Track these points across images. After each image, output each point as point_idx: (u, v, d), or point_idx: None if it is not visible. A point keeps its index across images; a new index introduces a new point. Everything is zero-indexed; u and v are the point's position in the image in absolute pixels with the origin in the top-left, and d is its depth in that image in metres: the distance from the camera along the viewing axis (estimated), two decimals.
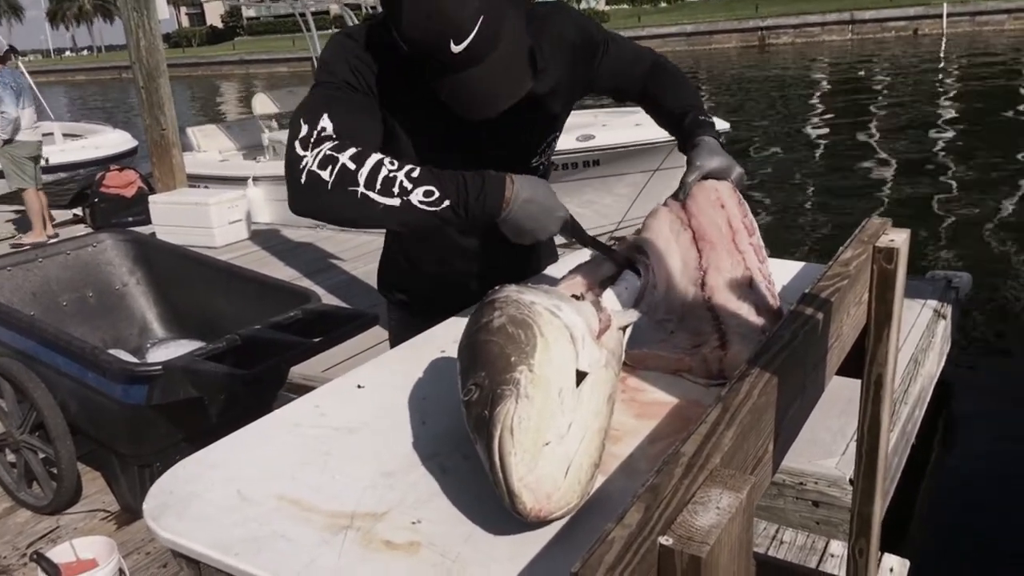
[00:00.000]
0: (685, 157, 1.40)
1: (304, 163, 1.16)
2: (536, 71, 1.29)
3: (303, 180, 1.15)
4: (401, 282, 1.68)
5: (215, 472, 0.94)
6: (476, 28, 1.14)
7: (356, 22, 8.15)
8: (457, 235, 1.52)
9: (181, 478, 0.94)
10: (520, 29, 1.24)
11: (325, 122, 1.19)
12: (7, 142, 6.32)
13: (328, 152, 1.15)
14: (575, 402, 0.78)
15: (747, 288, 1.07)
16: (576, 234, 1.25)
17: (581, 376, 0.80)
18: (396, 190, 1.13)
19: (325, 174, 1.14)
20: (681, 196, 1.28)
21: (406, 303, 1.69)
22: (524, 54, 1.24)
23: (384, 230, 1.61)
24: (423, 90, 1.25)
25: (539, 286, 0.94)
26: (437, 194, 1.13)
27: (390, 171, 1.14)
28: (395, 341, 1.67)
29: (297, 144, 1.18)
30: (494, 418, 0.75)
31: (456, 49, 1.15)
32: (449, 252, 1.56)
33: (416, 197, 1.13)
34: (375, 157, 1.15)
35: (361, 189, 1.13)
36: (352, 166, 1.14)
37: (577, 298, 0.94)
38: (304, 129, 1.19)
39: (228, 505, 0.87)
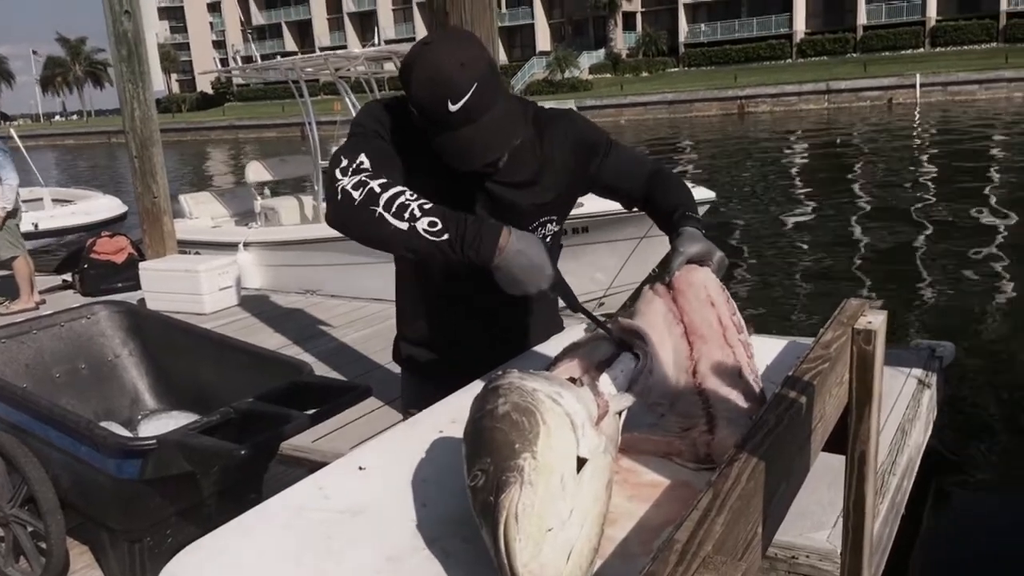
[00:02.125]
0: None
1: (341, 184, 1.37)
2: (521, 144, 1.48)
3: (339, 197, 1.36)
4: (414, 345, 1.79)
5: (221, 558, 0.96)
6: (470, 92, 1.35)
7: (349, 90, 8.37)
8: (467, 295, 1.62)
9: (187, 564, 0.96)
10: (513, 107, 1.45)
11: (362, 157, 1.41)
12: (10, 214, 6.36)
13: (363, 178, 1.36)
14: (576, 488, 0.82)
15: (736, 377, 1.13)
16: (566, 297, 1.37)
17: (581, 462, 0.84)
18: (407, 215, 1.31)
19: (356, 193, 1.34)
20: (667, 279, 1.37)
21: (419, 366, 1.78)
22: (512, 124, 1.44)
23: (395, 301, 1.79)
24: (428, 155, 1.44)
25: (540, 372, 0.98)
26: (439, 226, 1.30)
27: (407, 199, 1.32)
28: (407, 403, 1.80)
29: (338, 171, 1.39)
30: (499, 504, 0.79)
31: (452, 108, 1.35)
32: (458, 314, 1.69)
33: (421, 225, 1.30)
34: (399, 187, 1.35)
35: (380, 210, 1.32)
36: (378, 190, 1.34)
37: (574, 381, 0.98)
38: (344, 161, 1.40)
39: None
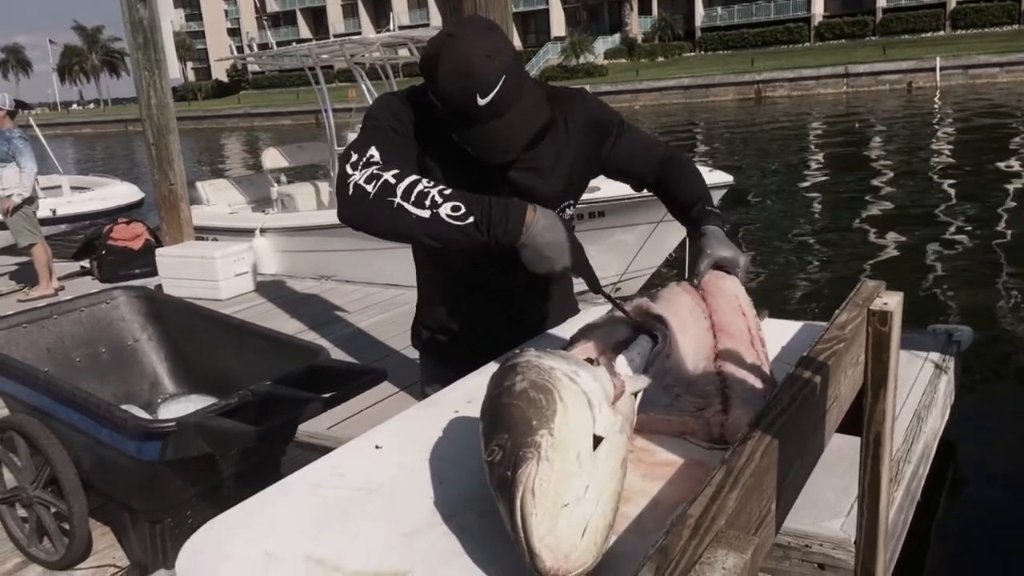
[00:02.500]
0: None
1: (352, 179, 1.33)
2: (547, 131, 1.46)
3: (351, 192, 1.33)
4: (433, 331, 1.78)
5: (243, 532, 0.98)
6: (499, 85, 1.32)
7: (364, 76, 8.37)
8: (485, 280, 1.62)
9: (211, 538, 0.97)
10: (537, 94, 1.42)
11: (373, 151, 1.38)
12: (28, 201, 6.42)
13: (374, 171, 1.33)
14: (592, 465, 0.83)
15: (756, 370, 1.13)
16: (587, 278, 1.35)
17: (597, 440, 0.85)
18: (428, 203, 1.28)
19: (369, 187, 1.31)
20: (695, 281, 1.35)
21: (437, 349, 1.78)
22: (539, 113, 1.41)
23: (416, 286, 1.79)
24: (449, 145, 1.42)
25: (557, 351, 0.99)
26: (463, 210, 1.27)
27: (425, 187, 1.29)
28: (425, 384, 1.81)
29: (348, 166, 1.36)
30: (516, 479, 0.80)
31: (481, 102, 1.32)
32: (477, 301, 1.68)
33: (444, 211, 1.27)
34: (413, 176, 1.32)
35: (398, 200, 1.29)
36: (392, 181, 1.30)
37: (591, 362, 0.99)
38: (355, 156, 1.37)
39: (257, 565, 0.90)
